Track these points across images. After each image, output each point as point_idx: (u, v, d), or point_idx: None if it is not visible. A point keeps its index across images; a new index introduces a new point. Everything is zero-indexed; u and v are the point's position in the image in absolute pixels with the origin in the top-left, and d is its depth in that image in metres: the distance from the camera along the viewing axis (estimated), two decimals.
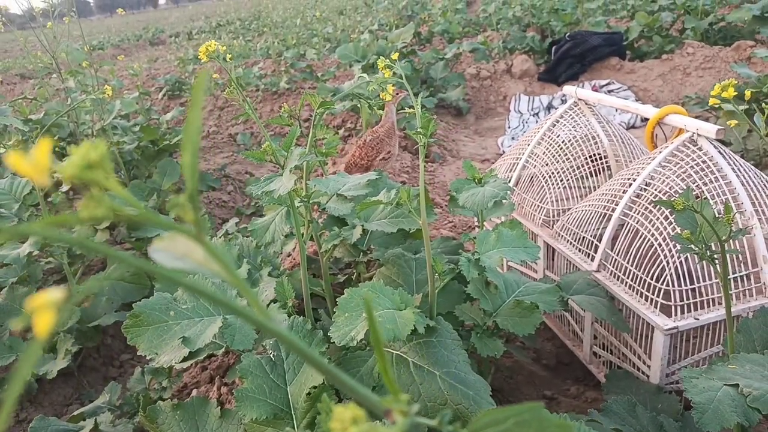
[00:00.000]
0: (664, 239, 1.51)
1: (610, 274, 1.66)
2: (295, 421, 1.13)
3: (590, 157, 2.11)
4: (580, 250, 1.80)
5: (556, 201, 2.04)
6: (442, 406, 1.12)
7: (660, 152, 1.70)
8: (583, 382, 1.86)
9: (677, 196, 1.25)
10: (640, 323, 1.55)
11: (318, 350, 1.18)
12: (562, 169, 2.07)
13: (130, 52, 15.67)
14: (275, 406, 1.14)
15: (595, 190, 1.98)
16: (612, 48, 5.91)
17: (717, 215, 1.15)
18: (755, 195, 1.55)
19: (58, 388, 2.30)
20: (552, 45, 6.28)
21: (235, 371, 1.23)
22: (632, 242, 1.61)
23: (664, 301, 1.47)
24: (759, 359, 1.09)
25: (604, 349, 1.76)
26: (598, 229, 1.77)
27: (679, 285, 1.46)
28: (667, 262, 1.47)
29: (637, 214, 1.63)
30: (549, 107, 5.44)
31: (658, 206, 1.56)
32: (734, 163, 1.59)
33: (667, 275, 1.46)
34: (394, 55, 1.36)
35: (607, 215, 1.73)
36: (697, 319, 1.44)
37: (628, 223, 1.64)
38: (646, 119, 1.87)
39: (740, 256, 1.51)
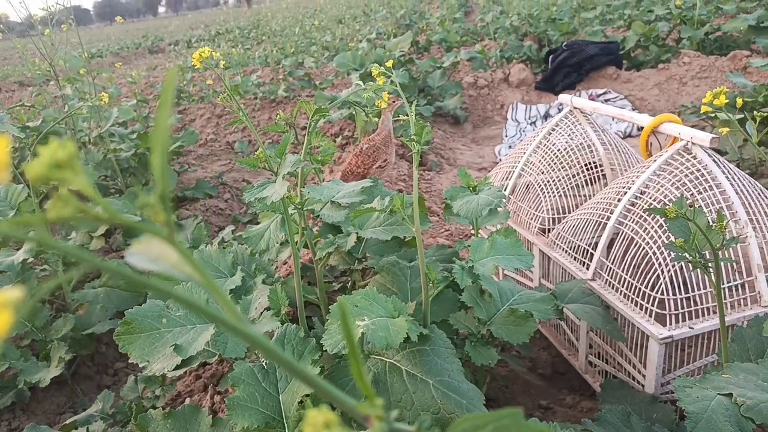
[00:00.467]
0: (659, 248, 1.51)
1: (605, 283, 1.65)
2: (286, 430, 1.12)
3: (586, 165, 2.11)
4: (575, 259, 1.80)
5: (552, 209, 2.04)
6: (436, 414, 1.12)
7: (654, 161, 1.70)
8: (579, 391, 1.85)
9: (671, 204, 1.25)
10: (635, 332, 1.54)
11: (311, 358, 1.17)
12: (557, 177, 2.07)
13: (129, 60, 15.71)
14: (267, 415, 1.13)
15: (590, 199, 1.98)
16: (609, 57, 5.94)
17: (711, 224, 1.15)
18: (750, 204, 1.55)
19: (51, 396, 2.28)
20: (549, 54, 6.31)
21: (227, 379, 1.22)
22: (627, 251, 1.61)
23: (659, 310, 1.46)
24: (753, 368, 1.09)
25: (599, 359, 1.76)
26: (593, 237, 1.76)
27: (674, 294, 1.45)
28: (662, 271, 1.47)
29: (632, 222, 1.62)
30: (546, 116, 5.46)
31: (652, 215, 1.56)
32: (728, 171, 1.59)
33: (661, 284, 1.46)
34: (389, 63, 1.36)
35: (602, 224, 1.73)
36: (692, 328, 1.44)
37: (623, 231, 1.64)
38: (642, 128, 1.88)
39: (735, 264, 1.50)
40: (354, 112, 4.18)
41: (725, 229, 1.11)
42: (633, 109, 5.29)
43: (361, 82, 1.48)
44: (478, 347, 1.39)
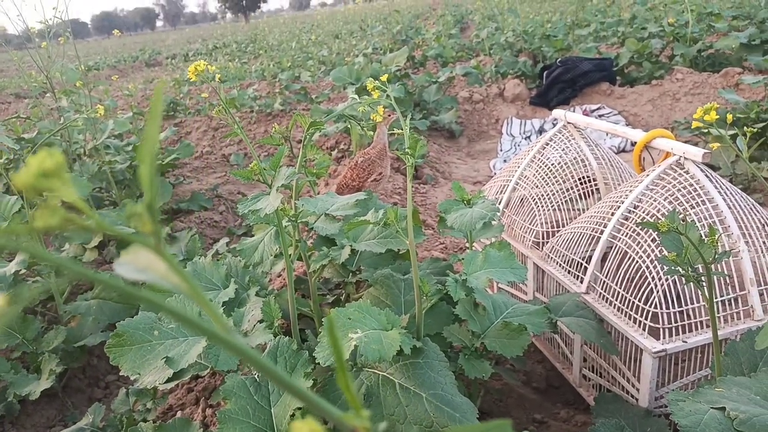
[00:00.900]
0: (652, 261, 1.51)
1: (599, 296, 1.66)
2: None
3: (580, 179, 2.12)
4: (569, 272, 1.80)
5: (546, 223, 2.04)
6: (429, 428, 1.11)
7: (647, 175, 1.71)
8: (573, 405, 1.84)
9: (664, 218, 1.25)
10: (628, 346, 1.54)
11: (303, 371, 1.17)
12: (551, 191, 2.08)
13: (126, 73, 15.76)
14: (259, 428, 1.12)
15: (584, 213, 1.98)
16: (602, 73, 6.00)
17: (703, 238, 1.15)
18: (742, 218, 1.56)
19: (42, 409, 2.26)
20: (543, 70, 6.36)
21: (219, 393, 1.22)
22: (620, 264, 1.61)
23: (652, 324, 1.46)
24: (746, 382, 1.09)
25: (593, 372, 1.75)
26: (587, 251, 1.77)
27: (667, 307, 1.46)
28: (655, 285, 1.48)
29: (625, 236, 1.63)
30: (541, 131, 5.49)
31: (645, 228, 1.57)
32: (721, 186, 1.60)
33: (655, 297, 1.46)
34: (383, 77, 1.37)
35: (595, 237, 1.74)
36: (686, 341, 1.44)
37: (617, 245, 1.65)
38: (635, 143, 1.89)
39: (728, 279, 1.51)
40: (349, 126, 4.20)
41: (717, 243, 1.12)
42: (627, 125, 5.33)
43: (356, 96, 1.49)
44: (471, 360, 1.39)
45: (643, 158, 1.90)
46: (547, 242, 1.98)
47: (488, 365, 1.39)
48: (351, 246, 1.57)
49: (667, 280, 1.47)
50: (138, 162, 0.26)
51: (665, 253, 1.30)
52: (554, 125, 2.26)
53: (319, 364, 1.14)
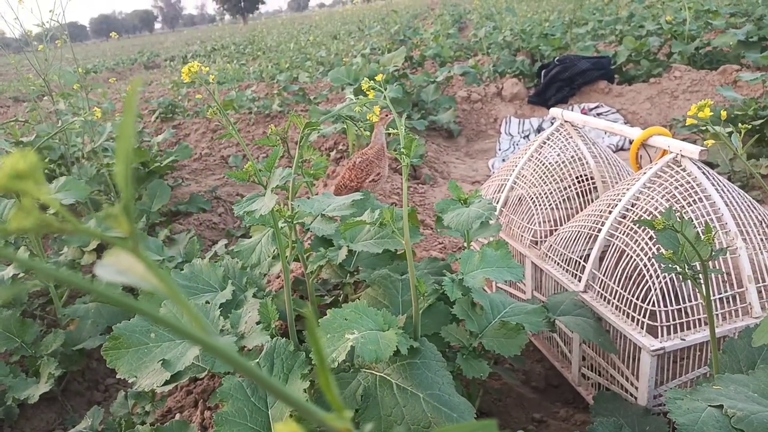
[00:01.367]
0: (650, 259, 1.51)
1: (597, 295, 1.65)
2: None
3: (577, 178, 2.12)
4: (567, 271, 1.80)
5: (544, 222, 2.04)
6: (426, 429, 1.11)
7: (645, 173, 1.71)
8: (573, 404, 1.84)
9: (661, 216, 1.25)
10: (627, 344, 1.54)
11: (300, 372, 1.16)
12: (549, 190, 2.08)
13: (124, 76, 15.77)
14: (256, 430, 1.12)
15: (582, 211, 1.98)
16: (600, 72, 6.00)
17: (700, 235, 1.15)
18: (740, 215, 1.55)
19: (41, 413, 2.25)
20: (541, 69, 6.36)
21: (216, 395, 1.21)
22: (618, 262, 1.61)
23: (650, 322, 1.46)
24: (744, 380, 1.09)
25: (592, 371, 1.75)
26: (584, 249, 1.77)
27: (665, 305, 1.45)
28: (653, 283, 1.47)
29: (623, 234, 1.63)
30: (539, 129, 5.49)
31: (643, 226, 1.56)
32: (718, 183, 1.60)
33: (653, 295, 1.46)
34: (379, 77, 1.37)
35: (593, 236, 1.73)
36: (684, 339, 1.43)
37: (614, 243, 1.64)
38: (633, 141, 1.89)
39: (726, 276, 1.51)
40: (346, 126, 4.20)
41: (713, 240, 1.12)
42: (625, 123, 5.33)
43: (354, 97, 1.49)
44: (469, 360, 1.39)
45: (641, 156, 1.90)
46: (545, 241, 1.98)
47: (486, 365, 1.39)
48: (348, 246, 1.57)
49: (664, 277, 1.47)
50: (115, 160, 0.26)
51: (662, 250, 1.30)
52: (552, 124, 2.26)
53: (316, 365, 1.14)
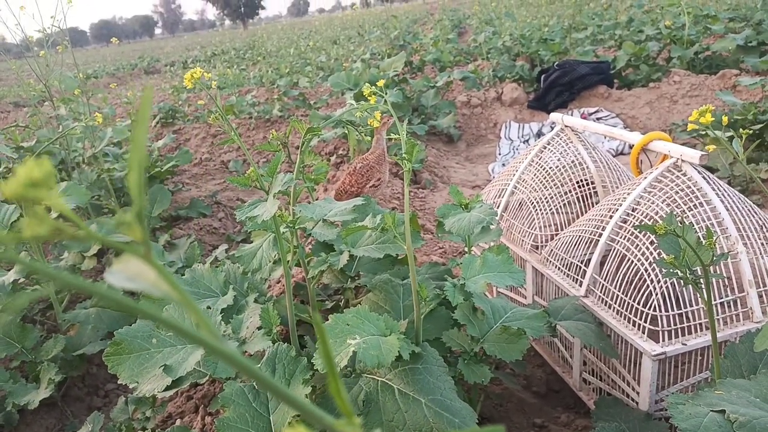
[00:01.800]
0: (651, 264, 1.51)
1: (598, 300, 1.65)
2: None
3: (578, 182, 2.12)
4: (568, 276, 1.80)
5: (545, 226, 2.04)
6: None
7: (645, 178, 1.71)
8: (574, 409, 1.84)
9: (662, 221, 1.25)
10: (628, 349, 1.54)
11: (302, 377, 1.16)
12: (550, 195, 2.08)
13: (124, 81, 15.79)
14: None
15: (582, 216, 1.98)
16: (600, 76, 6.01)
17: (701, 240, 1.15)
18: (740, 220, 1.55)
19: (41, 419, 2.25)
20: (541, 74, 6.38)
21: (218, 400, 1.21)
22: (619, 267, 1.61)
23: (651, 327, 1.46)
24: (745, 384, 1.09)
25: (593, 376, 1.75)
26: (585, 254, 1.77)
27: (666, 310, 1.45)
28: (654, 287, 1.47)
29: (624, 239, 1.63)
30: (539, 134, 5.50)
31: (644, 231, 1.57)
32: (718, 188, 1.60)
33: (654, 300, 1.46)
34: (380, 83, 1.37)
35: (594, 240, 1.74)
36: (685, 344, 1.43)
37: (615, 248, 1.65)
38: (633, 146, 1.89)
39: (727, 281, 1.51)
40: (347, 131, 4.20)
41: (714, 245, 1.12)
42: (625, 128, 5.34)
43: (354, 102, 1.50)
44: (471, 365, 1.39)
45: (641, 161, 1.90)
46: (546, 246, 1.98)
47: (488, 370, 1.39)
48: (349, 251, 1.57)
49: (666, 282, 1.47)
50: (127, 170, 0.26)
51: (663, 255, 1.30)
52: (552, 129, 2.27)
53: (318, 370, 1.14)
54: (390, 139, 2.44)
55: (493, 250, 1.49)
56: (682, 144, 2.00)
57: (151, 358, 1.22)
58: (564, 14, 10.33)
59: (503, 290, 2.18)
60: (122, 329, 1.26)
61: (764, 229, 1.57)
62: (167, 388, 1.23)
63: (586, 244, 1.77)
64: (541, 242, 2.03)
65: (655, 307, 1.45)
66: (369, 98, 1.38)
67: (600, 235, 1.71)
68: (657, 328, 1.45)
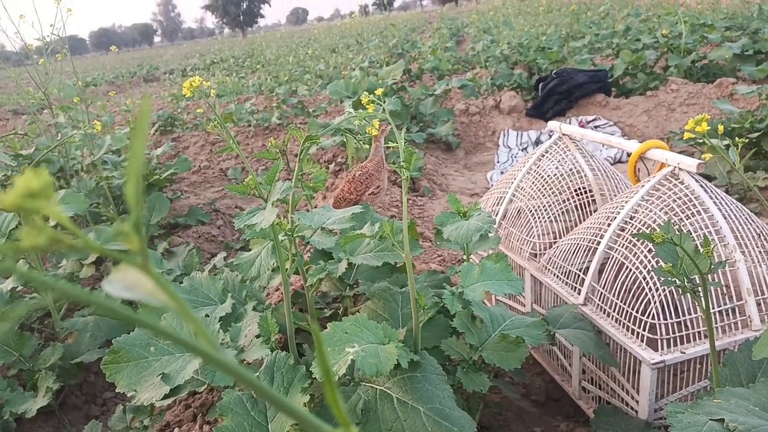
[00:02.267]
0: (649, 272, 1.51)
1: (597, 308, 1.65)
2: None
3: (576, 191, 2.13)
4: (566, 284, 1.80)
5: (543, 234, 2.05)
6: None
7: (643, 186, 1.71)
8: (573, 418, 1.83)
9: (659, 229, 1.26)
10: (627, 357, 1.54)
11: (300, 386, 1.16)
12: (548, 203, 2.09)
13: (124, 89, 15.82)
14: None
15: (580, 224, 1.99)
16: (597, 85, 6.04)
17: (699, 248, 1.16)
18: (738, 228, 1.56)
19: (38, 427, 2.24)
20: (539, 82, 6.40)
21: (216, 409, 1.21)
22: (618, 275, 1.61)
23: (650, 335, 1.46)
24: (744, 393, 1.08)
25: (593, 384, 1.75)
26: (584, 262, 1.77)
27: (665, 318, 1.45)
28: (653, 296, 1.47)
29: (622, 247, 1.63)
30: (537, 142, 5.52)
31: (642, 239, 1.57)
32: (716, 196, 1.61)
33: (652, 308, 1.46)
34: (378, 91, 1.38)
35: (592, 249, 1.74)
36: (684, 352, 1.43)
37: (614, 256, 1.65)
38: (631, 154, 1.90)
39: (725, 289, 1.51)
40: (346, 139, 4.21)
41: (712, 253, 1.12)
42: (622, 136, 5.36)
43: (353, 110, 1.50)
44: (470, 373, 1.39)
45: (639, 169, 1.91)
46: (545, 254, 1.98)
47: (486, 378, 1.38)
48: (348, 259, 1.57)
49: (664, 290, 1.47)
50: (125, 179, 0.26)
51: (661, 263, 1.30)
52: (550, 136, 2.27)
53: (316, 378, 1.14)
54: (388, 147, 2.44)
55: (492, 258, 1.49)
56: (680, 152, 2.01)
57: (149, 366, 1.21)
58: (561, 23, 10.39)
59: (502, 298, 2.18)
60: (120, 337, 1.26)
61: (762, 238, 1.57)
62: (165, 397, 1.22)
63: (584, 252, 1.77)
64: (540, 250, 2.03)
65: (653, 315, 1.45)
66: (367, 106, 1.39)
67: (598, 243, 1.71)
68: (656, 337, 1.45)
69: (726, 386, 1.15)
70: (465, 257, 1.68)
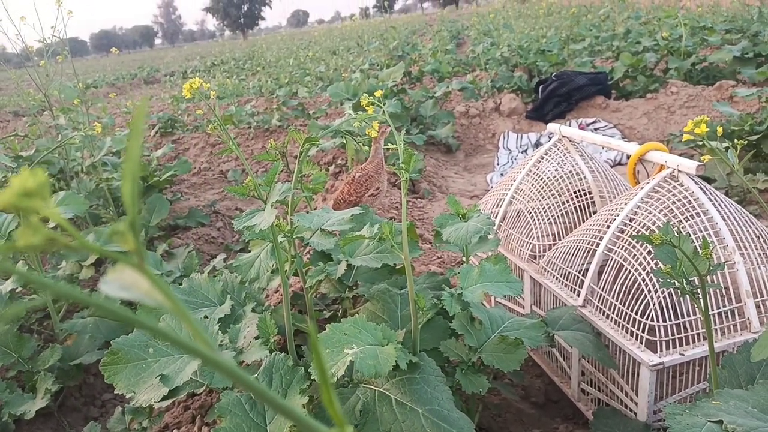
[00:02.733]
0: (648, 274, 1.51)
1: (596, 309, 1.65)
2: None
3: (575, 193, 2.13)
4: (566, 285, 1.80)
5: (542, 236, 2.05)
6: None
7: (642, 188, 1.72)
8: (572, 420, 1.83)
9: (659, 231, 1.26)
10: (626, 359, 1.54)
11: (299, 387, 1.16)
12: (547, 204, 2.09)
13: (124, 91, 15.84)
14: None
15: (580, 226, 1.99)
16: (597, 87, 6.04)
17: (698, 250, 1.16)
18: (737, 230, 1.56)
19: (37, 429, 2.24)
20: (539, 84, 6.41)
21: (215, 410, 1.21)
22: (617, 277, 1.61)
23: (649, 337, 1.46)
24: (743, 395, 1.08)
25: (592, 386, 1.75)
26: (583, 264, 1.77)
27: (664, 320, 1.45)
28: (652, 297, 1.47)
29: (621, 249, 1.63)
30: (537, 144, 5.52)
31: (641, 241, 1.57)
32: (715, 198, 1.61)
33: (651, 310, 1.46)
34: (378, 93, 1.38)
35: (592, 250, 1.74)
36: (683, 354, 1.43)
37: (613, 258, 1.65)
38: (630, 156, 1.90)
39: (724, 291, 1.51)
40: (345, 141, 4.22)
41: (711, 255, 1.12)
42: (622, 138, 5.36)
43: (353, 112, 1.50)
44: (468, 375, 1.38)
45: (638, 171, 1.91)
46: (544, 256, 1.98)
47: (485, 380, 1.38)
48: (347, 261, 1.57)
49: (663, 292, 1.47)
50: (121, 180, 0.26)
51: (661, 265, 1.30)
52: (550, 139, 2.27)
53: (315, 380, 1.14)
54: (388, 149, 2.44)
55: (491, 260, 1.49)
56: (680, 155, 2.01)
57: (147, 367, 1.22)
58: (562, 26, 10.40)
59: (501, 300, 2.18)
60: (119, 339, 1.26)
61: (761, 240, 1.57)
62: (164, 398, 1.22)
63: (583, 253, 1.77)
64: (539, 252, 2.03)
65: (652, 317, 1.46)
66: (367, 108, 1.39)
67: (597, 244, 1.71)
68: (655, 338, 1.45)
69: (725, 388, 1.15)
70: (464, 259, 1.68)
